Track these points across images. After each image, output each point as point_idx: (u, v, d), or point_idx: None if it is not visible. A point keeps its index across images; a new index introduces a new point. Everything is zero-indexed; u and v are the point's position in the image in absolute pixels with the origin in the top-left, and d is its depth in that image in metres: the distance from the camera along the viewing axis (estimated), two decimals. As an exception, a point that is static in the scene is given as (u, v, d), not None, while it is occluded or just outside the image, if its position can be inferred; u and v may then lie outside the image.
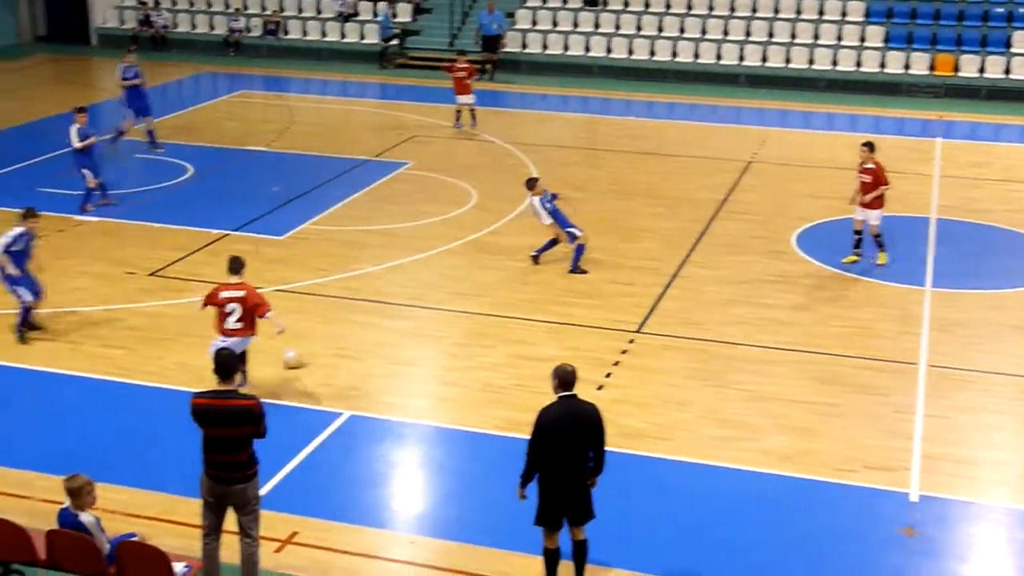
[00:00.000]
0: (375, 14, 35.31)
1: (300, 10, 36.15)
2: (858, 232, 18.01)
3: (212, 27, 36.20)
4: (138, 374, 14.01)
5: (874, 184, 17.65)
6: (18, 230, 14.70)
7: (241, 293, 12.96)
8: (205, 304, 13.22)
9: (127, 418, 13.02)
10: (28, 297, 14.86)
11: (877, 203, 17.77)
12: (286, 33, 35.55)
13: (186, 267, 17.54)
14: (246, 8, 36.34)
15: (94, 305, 16.09)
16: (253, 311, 12.97)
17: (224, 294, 12.99)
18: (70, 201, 20.41)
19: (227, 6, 36.64)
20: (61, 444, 12.35)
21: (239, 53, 35.25)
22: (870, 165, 17.74)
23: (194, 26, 36.45)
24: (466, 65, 26.19)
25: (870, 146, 17.87)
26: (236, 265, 13.16)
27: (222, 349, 9.49)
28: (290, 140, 25.27)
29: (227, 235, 18.98)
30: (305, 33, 35.44)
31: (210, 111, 28.36)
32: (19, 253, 14.67)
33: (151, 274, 17.27)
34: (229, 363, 9.40)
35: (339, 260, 18.08)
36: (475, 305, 16.30)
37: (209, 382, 9.67)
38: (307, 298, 16.44)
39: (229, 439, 9.31)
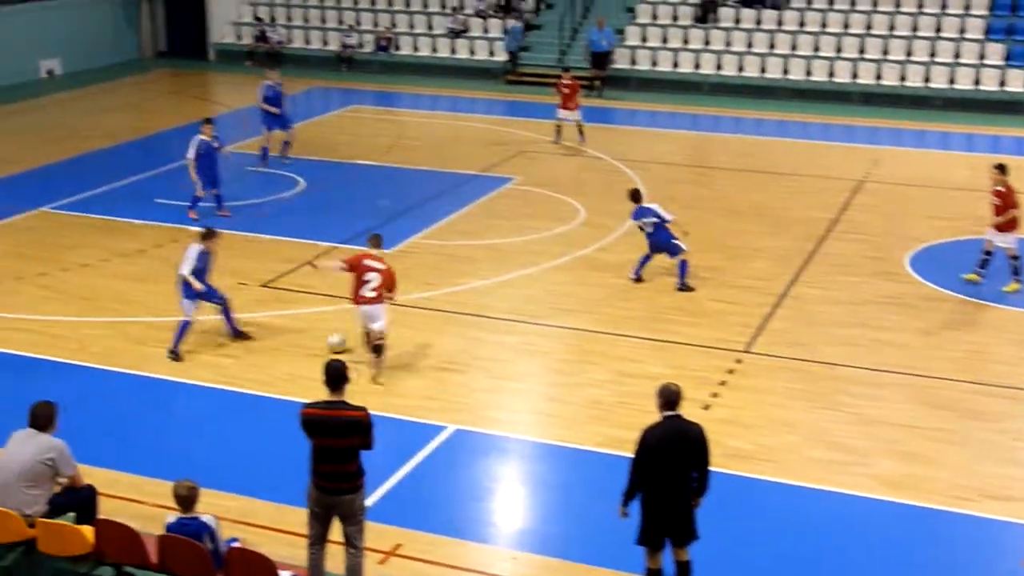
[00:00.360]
0: (486, 31, 35.57)
1: (412, 27, 36.58)
2: (988, 253, 17.59)
3: (326, 43, 36.83)
4: (248, 383, 14.26)
5: (1004, 207, 17.27)
6: (198, 249, 15.09)
7: (383, 266, 14.15)
8: (348, 268, 14.18)
9: (237, 426, 13.27)
10: (190, 313, 15.05)
11: (1010, 226, 17.34)
12: (397, 49, 36.00)
13: (296, 279, 17.82)
14: (359, 25, 36.90)
15: (207, 315, 16.41)
16: (388, 286, 14.10)
17: (368, 262, 14.10)
18: (184, 212, 20.89)
19: (341, 23, 37.25)
20: (172, 450, 12.63)
21: (351, 69, 35.79)
22: (1000, 187, 17.35)
23: (308, 42, 37.12)
24: (571, 82, 26.22)
25: (1001, 168, 17.47)
26: (378, 240, 14.44)
27: (332, 361, 9.61)
28: (399, 154, 25.55)
29: (336, 248, 19.23)
30: (416, 49, 35.85)
31: (322, 125, 28.82)
32: (199, 271, 15.06)
33: (262, 285, 17.59)
34: (339, 374, 9.51)
35: (446, 274, 18.20)
36: (580, 321, 16.28)
37: (317, 393, 9.79)
38: (414, 311, 16.58)
39: (338, 450, 9.42)
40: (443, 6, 36.83)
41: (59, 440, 9.82)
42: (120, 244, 19.39)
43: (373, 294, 14.03)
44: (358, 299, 14.11)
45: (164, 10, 38.50)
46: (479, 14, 35.95)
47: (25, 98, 31.03)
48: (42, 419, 9.84)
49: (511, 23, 34.52)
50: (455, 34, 35.55)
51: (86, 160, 25.09)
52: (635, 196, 17.88)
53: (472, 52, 35.19)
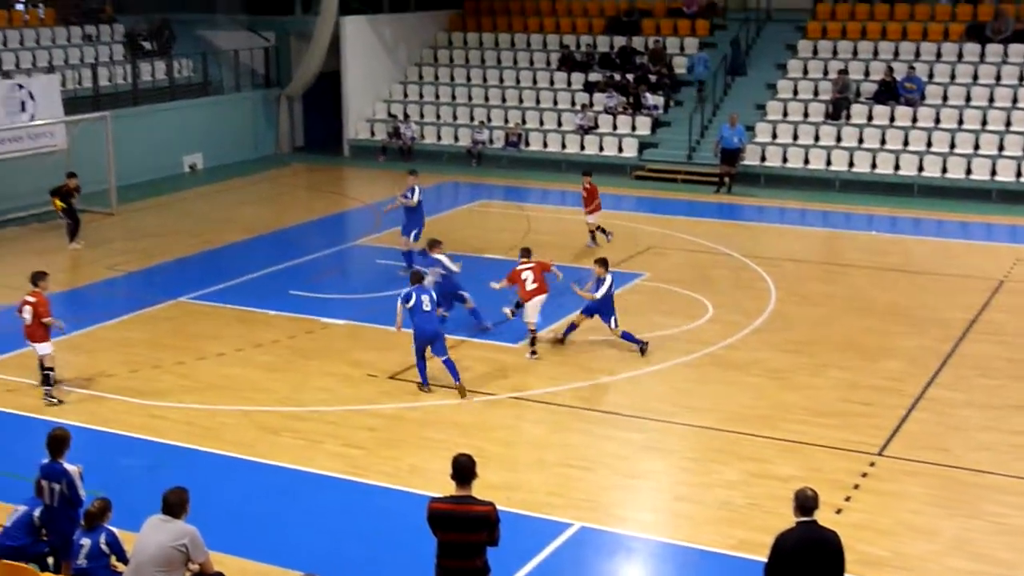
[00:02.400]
0: (615, 127, 35.89)
1: (541, 123, 37.10)
2: None
3: (456, 139, 37.54)
4: (374, 474, 14.38)
5: None
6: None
7: (532, 264, 18.76)
8: (509, 282, 18.77)
9: (363, 518, 13.36)
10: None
11: None
12: (527, 145, 36.51)
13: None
14: (489, 121, 37.57)
15: (336, 405, 16.67)
16: (544, 271, 18.69)
17: (520, 267, 18.75)
18: (319, 304, 21.37)
19: (471, 119, 37.97)
20: (300, 540, 12.75)
21: (481, 164, 36.38)
22: None
23: (439, 138, 37.90)
24: (588, 186, 25.78)
25: None
26: (528, 251, 19.27)
27: (461, 455, 9.65)
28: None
29: (465, 341, 19.40)
30: (545, 145, 36.31)
31: (451, 219, 29.26)
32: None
33: (390, 377, 17.80)
34: (467, 468, 9.55)
35: (573, 369, 18.19)
36: (709, 419, 16.07)
37: (443, 486, 9.81)
38: (540, 406, 16.57)
39: (464, 545, 9.39)
40: (572, 103, 37.32)
41: (191, 526, 10.00)
42: (255, 334, 19.87)
43: (535, 286, 18.56)
44: (527, 295, 18.57)
45: (302, 107, 39.76)
46: (608, 111, 36.33)
47: (168, 192, 32.22)
48: (175, 505, 10.04)
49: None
50: (584, 131, 35.94)
51: (224, 252, 25.89)
52: (431, 245, 19.81)
53: (601, 148, 35.50)
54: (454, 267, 19.75)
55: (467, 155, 36.78)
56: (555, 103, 37.70)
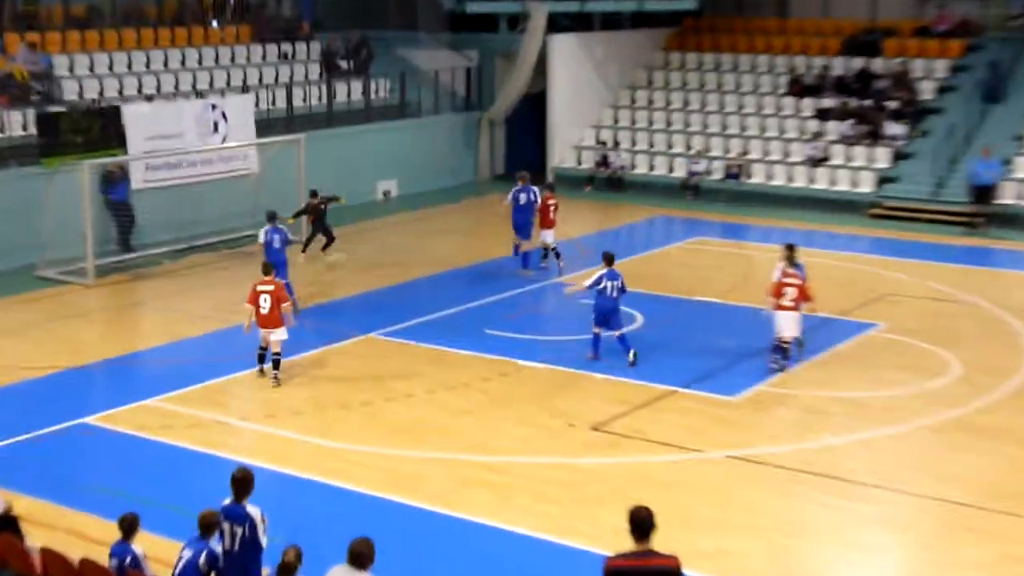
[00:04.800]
0: (849, 159, 35.18)
1: (766, 153, 36.68)
2: None
3: (671, 170, 37.45)
4: (570, 533, 14.38)
5: None
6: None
7: (798, 280, 19.90)
8: (775, 286, 19.95)
9: (558, 580, 13.36)
10: None
11: None
12: (749, 177, 36.14)
13: (630, 423, 17.95)
14: (708, 151, 37.36)
15: (531, 456, 16.76)
16: (804, 297, 19.85)
17: (786, 280, 19.91)
18: (516, 345, 21.59)
19: (688, 148, 37.84)
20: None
21: (697, 197, 36.17)
22: None
23: (652, 168, 37.88)
24: (552, 202, 26.80)
25: None
26: (792, 250, 20.49)
27: (639, 508, 9.65)
28: (746, 292, 25.39)
29: (675, 392, 19.27)
30: (770, 178, 35.87)
31: (662, 257, 29.18)
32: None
33: (592, 428, 17.80)
34: (646, 522, 9.53)
35: (796, 428, 17.87)
36: (955, 492, 15.48)
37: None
38: (758, 468, 16.30)
39: (650, 601, 9.35)
40: (802, 132, 36.78)
41: (376, 579, 10.19)
42: (446, 375, 20.19)
43: (792, 303, 19.77)
44: (781, 308, 19.80)
45: (504, 132, 40.37)
46: (843, 141, 35.64)
47: (360, 219, 33.14)
48: (361, 556, 10.25)
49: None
50: (814, 162, 35.35)
51: (416, 286, 26.44)
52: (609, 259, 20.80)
53: (833, 182, 34.85)
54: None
55: (682, 188, 36.63)
56: (782, 132, 37.24)
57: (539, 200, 26.91)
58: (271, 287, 19.69)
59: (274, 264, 22.28)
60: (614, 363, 20.57)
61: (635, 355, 20.47)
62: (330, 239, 27.76)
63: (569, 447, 17.09)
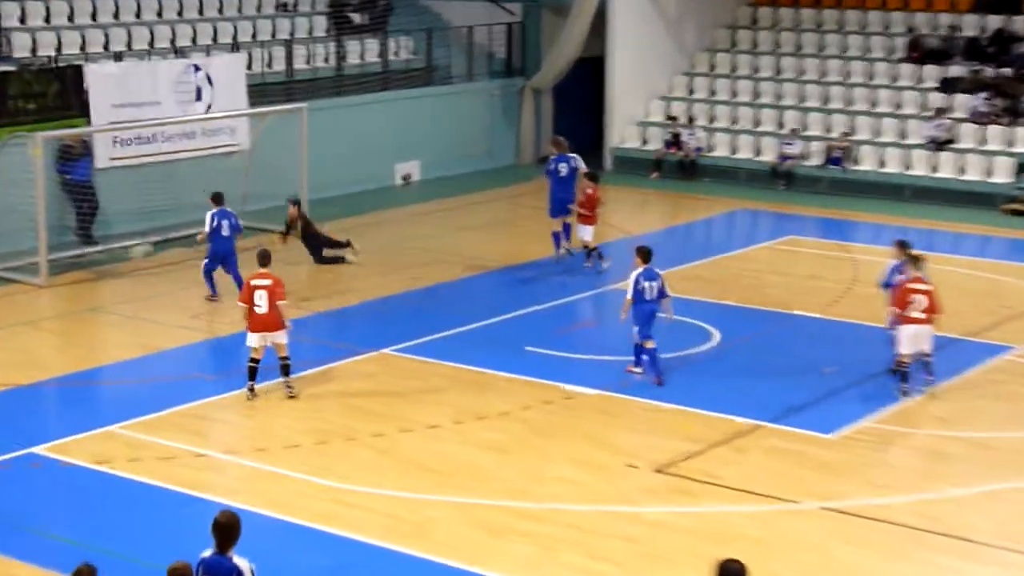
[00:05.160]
0: (982, 141, 34.98)
1: (877, 133, 36.56)
2: None
3: (758, 152, 37.39)
4: (630, 601, 14.39)
5: None
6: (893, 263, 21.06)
7: (928, 287, 20.18)
8: (899, 293, 20.17)
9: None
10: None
11: None
12: (855, 163, 36.03)
13: (703, 464, 17.91)
14: (804, 129, 37.26)
15: (580, 503, 16.75)
16: (935, 308, 20.14)
17: (913, 285, 20.16)
18: (563, 366, 21.64)
19: (780, 126, 37.77)
20: None
21: (790, 186, 36.07)
22: None
23: (735, 150, 37.84)
24: (591, 191, 27.17)
25: None
26: (905, 248, 20.91)
27: (730, 563, 9.77)
28: (851, 305, 25.31)
29: (760, 427, 19.23)
30: (882, 164, 35.75)
31: (745, 260, 29.11)
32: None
33: (657, 470, 17.78)
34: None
35: (909, 475, 17.83)
36: (1106, 558, 15.40)
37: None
38: (863, 523, 16.24)
39: None
40: (922, 108, 36.64)
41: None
42: (478, 402, 20.22)
43: (923, 315, 19.99)
44: (906, 320, 20.05)
45: (552, 104, 40.38)
46: (974, 119, 35.44)
47: (374, 209, 33.27)
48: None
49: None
50: (937, 145, 35.21)
51: (442, 291, 26.52)
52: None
53: (961, 171, 34.70)
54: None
55: (772, 174, 36.58)
56: (898, 107, 37.15)
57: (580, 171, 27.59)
58: (267, 281, 19.97)
59: (223, 255, 22.81)
60: (687, 388, 20.55)
61: (660, 373, 20.85)
62: (333, 244, 27.86)
63: (628, 493, 17.07)
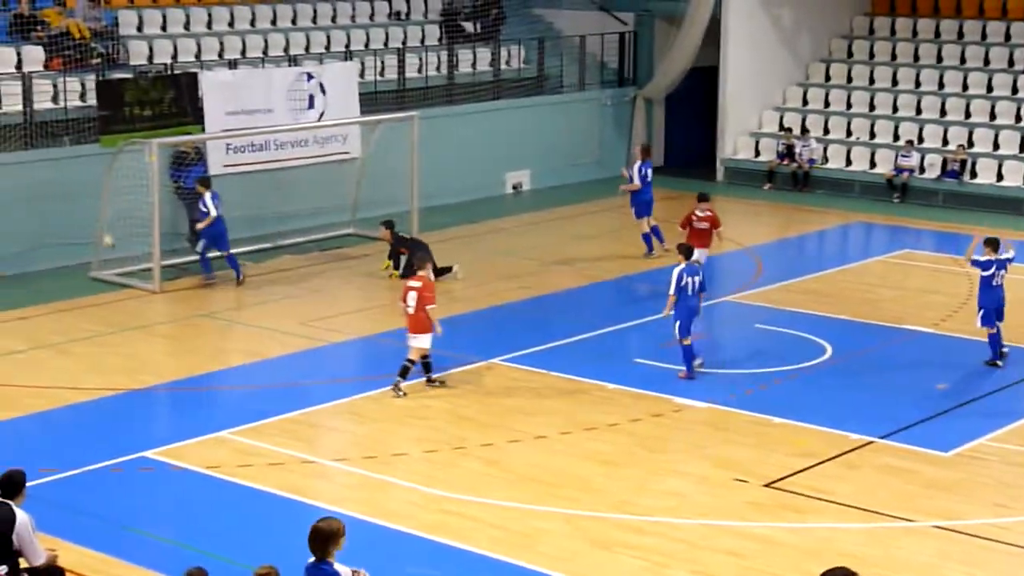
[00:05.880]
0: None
1: (996, 146, 36.05)
2: None
3: (873, 164, 37.05)
4: (738, 617, 14.30)
5: None
6: None
7: None
8: None
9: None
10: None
11: None
12: (974, 176, 35.57)
13: (813, 480, 17.77)
14: (921, 141, 36.85)
15: (689, 517, 16.68)
16: None
17: None
18: (673, 379, 21.60)
19: (895, 138, 37.38)
20: None
21: (906, 199, 35.70)
22: None
23: (849, 161, 37.51)
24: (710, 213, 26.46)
25: None
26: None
27: (839, 571, 9.79)
28: (965, 321, 24.96)
29: (871, 442, 19.03)
30: (1000, 177, 35.25)
31: (859, 273, 28.85)
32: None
33: (767, 485, 17.66)
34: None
35: (1028, 493, 17.54)
36: None
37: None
38: (979, 543, 16.01)
39: None
40: (1043, 118, 36.14)
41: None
42: (587, 413, 20.21)
43: None
44: None
45: (664, 114, 40.33)
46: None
47: (485, 218, 33.37)
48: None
49: None
50: (1057, 158, 34.67)
51: (551, 301, 26.56)
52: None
53: (1082, 184, 34.18)
54: None
55: (887, 186, 36.23)
56: (1017, 118, 36.63)
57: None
58: (418, 283, 20.84)
59: (216, 235, 23.56)
60: (800, 403, 20.42)
61: (693, 369, 21.56)
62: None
63: (737, 508, 16.97)
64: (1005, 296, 22.29)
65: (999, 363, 22.35)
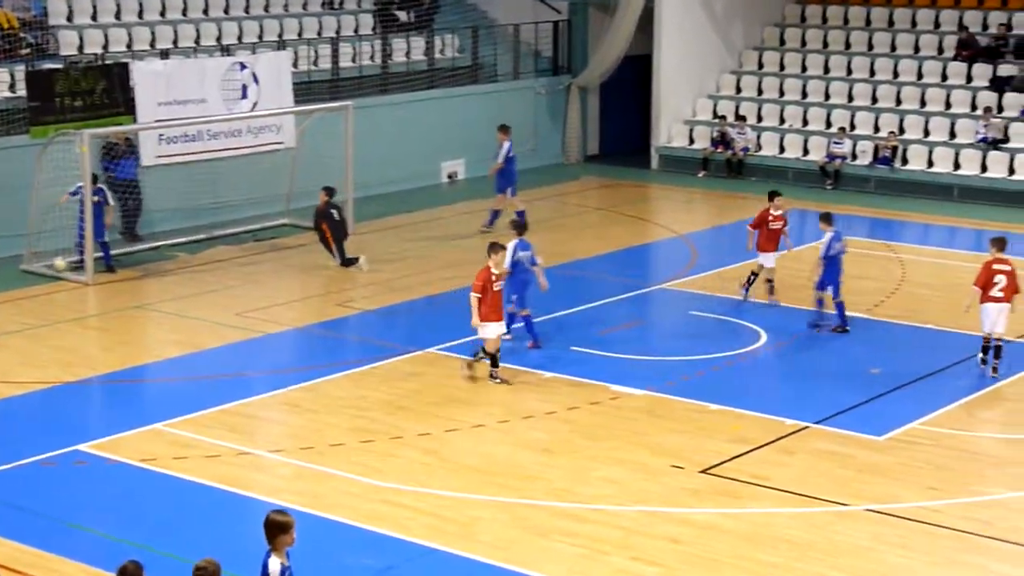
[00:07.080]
0: (1031, 141, 34.78)
1: (926, 133, 36.33)
2: None
3: (806, 151, 37.24)
4: (676, 603, 14.36)
5: None
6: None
7: (1008, 267, 20.81)
8: (984, 277, 20.78)
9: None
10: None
11: None
12: (904, 163, 35.83)
13: (750, 466, 17.86)
14: (853, 128, 37.07)
15: (627, 504, 16.72)
16: (1015, 288, 20.77)
17: (996, 267, 20.76)
18: (609, 366, 21.63)
19: (828, 125, 37.58)
20: None
21: (838, 185, 35.93)
22: None
23: (782, 148, 37.69)
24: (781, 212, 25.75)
25: None
26: (1001, 243, 21.18)
27: None
28: (898, 306, 25.23)
29: (806, 428, 19.14)
30: (931, 164, 35.53)
31: (793, 260, 28.90)
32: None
33: (703, 471, 17.73)
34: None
35: (959, 478, 17.66)
36: None
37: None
38: (913, 526, 16.14)
39: None
40: (973, 107, 36.41)
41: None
42: (524, 402, 20.23)
43: (1001, 294, 20.69)
44: (988, 299, 20.71)
45: (599, 102, 40.38)
46: (1024, 118, 35.26)
47: (420, 208, 33.30)
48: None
49: None
50: (989, 145, 34.97)
51: (487, 290, 26.50)
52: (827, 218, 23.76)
53: (1011, 171, 34.46)
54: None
55: (820, 173, 36.43)
56: (947, 105, 36.92)
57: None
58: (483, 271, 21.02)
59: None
60: (734, 390, 20.52)
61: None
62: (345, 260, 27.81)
63: (674, 494, 17.03)
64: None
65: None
